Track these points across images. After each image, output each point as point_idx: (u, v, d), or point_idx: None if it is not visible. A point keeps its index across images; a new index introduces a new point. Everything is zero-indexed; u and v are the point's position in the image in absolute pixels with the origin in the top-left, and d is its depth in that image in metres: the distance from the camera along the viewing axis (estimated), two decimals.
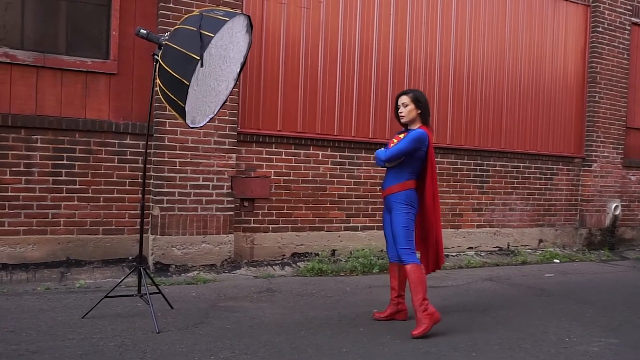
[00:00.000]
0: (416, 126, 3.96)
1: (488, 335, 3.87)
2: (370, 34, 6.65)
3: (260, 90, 6.07)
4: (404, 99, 3.96)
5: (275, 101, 6.14)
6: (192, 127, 3.82)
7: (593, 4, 8.32)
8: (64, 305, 4.22)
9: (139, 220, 5.47)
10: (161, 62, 3.52)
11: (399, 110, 3.98)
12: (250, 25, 3.80)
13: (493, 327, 4.09)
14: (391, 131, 6.77)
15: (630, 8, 8.60)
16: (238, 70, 3.99)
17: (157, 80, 3.60)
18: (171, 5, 5.48)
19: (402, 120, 4.00)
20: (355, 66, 6.58)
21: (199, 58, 3.35)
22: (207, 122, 3.98)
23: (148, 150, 4.07)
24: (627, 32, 8.58)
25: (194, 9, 5.49)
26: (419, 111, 3.93)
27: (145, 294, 3.89)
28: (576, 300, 5.12)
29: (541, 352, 3.57)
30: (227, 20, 3.47)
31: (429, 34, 7.05)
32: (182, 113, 3.57)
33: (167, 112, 5.35)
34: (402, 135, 3.97)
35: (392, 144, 3.97)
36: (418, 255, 4.00)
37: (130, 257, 5.57)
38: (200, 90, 3.62)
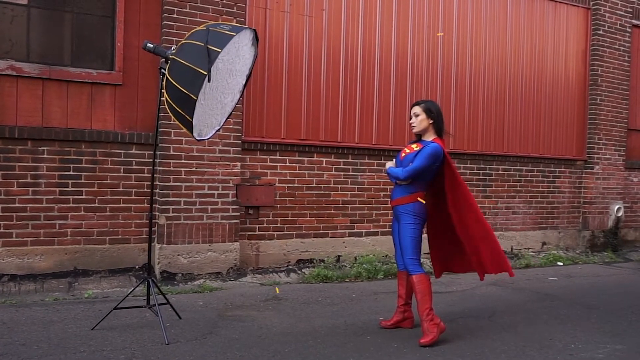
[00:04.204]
0: (430, 137, 3.98)
1: (494, 343, 3.91)
2: (372, 40, 6.69)
3: (264, 98, 6.11)
4: (416, 109, 4.00)
5: (279, 109, 6.18)
6: (198, 140, 3.86)
7: (593, 7, 8.35)
8: (73, 316, 4.26)
9: (145, 229, 5.56)
10: (168, 77, 3.56)
11: (411, 120, 4.02)
12: (255, 39, 3.83)
13: (499, 334, 4.13)
14: (394, 137, 6.82)
15: (631, 10, 8.63)
16: (243, 82, 4.03)
17: (165, 94, 3.64)
18: (175, 16, 5.52)
19: (414, 131, 4.03)
20: (357, 73, 6.62)
21: (206, 73, 3.38)
22: (214, 134, 4.02)
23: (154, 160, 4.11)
24: (627, 34, 8.61)
25: (198, 19, 5.54)
26: (431, 121, 3.96)
27: (154, 305, 3.93)
28: (581, 304, 5.15)
29: None
30: (234, 35, 3.51)
31: (431, 39, 7.08)
32: (189, 126, 3.61)
33: (172, 122, 5.39)
34: (414, 146, 3.99)
35: (404, 154, 4.00)
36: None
37: (137, 267, 5.61)
38: (207, 104, 3.66)
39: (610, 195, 8.60)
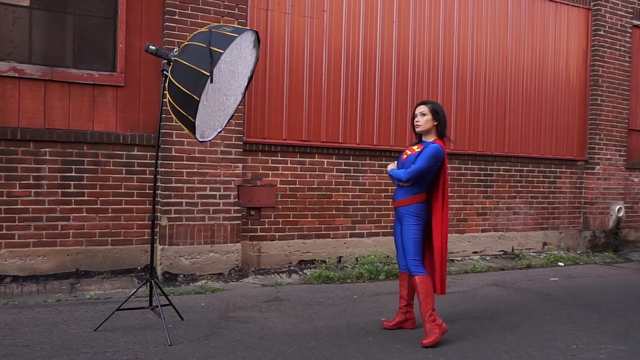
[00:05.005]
0: (430, 138, 3.99)
1: (496, 344, 3.91)
2: (373, 41, 6.70)
3: (265, 99, 6.12)
4: (423, 109, 3.98)
5: (280, 110, 6.19)
6: (201, 141, 3.87)
7: (594, 7, 8.35)
8: (75, 317, 4.27)
9: (148, 230, 5.56)
10: (171, 78, 3.57)
11: (416, 119, 4.00)
12: (257, 41, 3.84)
13: (501, 335, 4.13)
14: (395, 138, 6.82)
15: (632, 11, 8.64)
16: (245, 84, 4.04)
17: (167, 95, 3.65)
18: (177, 17, 5.52)
19: (418, 130, 4.02)
20: (358, 74, 6.62)
21: (209, 74, 3.39)
22: (216, 135, 4.03)
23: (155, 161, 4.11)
24: (628, 34, 8.62)
25: (199, 20, 5.55)
26: (436, 123, 3.96)
27: (157, 306, 3.94)
28: (582, 305, 5.15)
29: None
30: (236, 37, 3.52)
31: (431, 40, 7.09)
32: (191, 128, 3.62)
33: (174, 124, 5.40)
34: (415, 147, 3.99)
35: (405, 156, 4.01)
36: None
37: (139, 267, 5.62)
38: (209, 106, 3.67)
39: (611, 195, 8.61)
